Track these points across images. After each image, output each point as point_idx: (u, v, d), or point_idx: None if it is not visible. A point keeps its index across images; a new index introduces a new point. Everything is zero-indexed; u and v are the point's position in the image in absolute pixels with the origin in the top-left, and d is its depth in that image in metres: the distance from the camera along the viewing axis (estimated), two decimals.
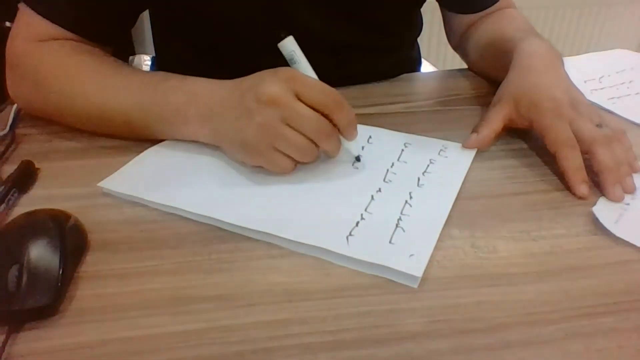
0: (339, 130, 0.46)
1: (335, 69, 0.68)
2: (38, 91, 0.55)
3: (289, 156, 0.46)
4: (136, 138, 0.53)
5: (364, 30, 0.68)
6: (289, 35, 0.48)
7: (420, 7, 0.74)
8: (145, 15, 0.65)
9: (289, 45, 0.48)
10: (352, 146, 0.49)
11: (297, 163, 0.47)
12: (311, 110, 0.44)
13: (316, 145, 0.46)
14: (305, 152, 0.46)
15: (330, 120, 0.45)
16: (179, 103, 0.50)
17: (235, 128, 0.46)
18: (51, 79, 0.54)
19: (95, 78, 0.53)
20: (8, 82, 0.57)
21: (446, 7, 0.75)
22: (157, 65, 0.88)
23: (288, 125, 0.44)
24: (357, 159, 0.50)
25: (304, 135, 0.44)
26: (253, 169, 0.48)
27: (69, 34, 0.56)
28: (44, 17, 0.55)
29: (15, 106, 0.59)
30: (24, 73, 0.56)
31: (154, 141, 0.53)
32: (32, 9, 0.55)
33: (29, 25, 0.56)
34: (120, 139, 0.54)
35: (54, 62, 0.54)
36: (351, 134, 0.48)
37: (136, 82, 0.52)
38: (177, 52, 0.74)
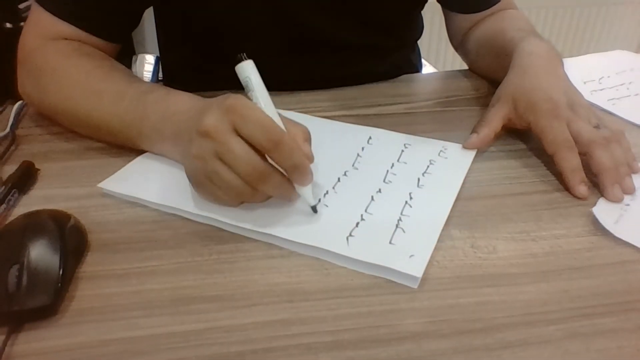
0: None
1: (336, 68, 0.68)
2: (39, 89, 0.56)
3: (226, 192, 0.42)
4: (122, 145, 0.53)
5: (365, 30, 0.68)
6: (248, 59, 0.42)
7: (422, 8, 0.74)
8: (146, 16, 0.65)
9: (245, 71, 0.41)
10: (306, 193, 0.42)
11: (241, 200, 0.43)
12: (246, 148, 0.39)
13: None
14: (240, 192, 0.40)
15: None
16: (156, 120, 0.48)
17: (182, 155, 0.45)
18: (49, 79, 0.54)
19: (85, 83, 0.53)
20: (18, 78, 0.58)
21: (447, 7, 0.75)
22: (162, 65, 0.88)
23: (221, 160, 0.39)
24: (313, 209, 0.43)
25: (236, 174, 0.40)
26: None
27: (77, 32, 0.57)
28: (51, 13, 0.56)
29: (15, 107, 0.59)
30: (29, 70, 0.56)
31: None
32: (41, 5, 0.56)
33: (38, 23, 0.57)
34: None
35: (55, 62, 0.55)
36: (297, 180, 0.41)
37: (121, 93, 0.51)
38: (182, 51, 0.74)
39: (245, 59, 0.42)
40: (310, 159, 0.42)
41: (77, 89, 0.53)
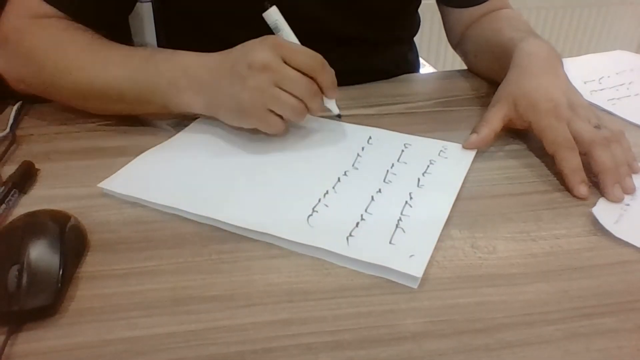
0: (322, 90, 0.50)
1: (335, 62, 0.68)
2: (30, 66, 0.55)
3: (280, 116, 0.49)
4: (128, 112, 0.55)
5: (360, 23, 0.68)
6: (272, 5, 0.52)
7: (418, 5, 0.74)
8: (145, 15, 0.65)
9: (273, 15, 0.53)
10: (333, 105, 0.54)
11: (287, 123, 0.51)
12: (299, 73, 0.48)
13: (305, 105, 0.49)
14: (296, 110, 0.49)
15: (314, 81, 0.49)
16: (171, 75, 0.52)
17: (230, 94, 0.49)
18: (45, 54, 0.54)
19: (88, 51, 0.54)
20: None
21: (444, 3, 0.75)
22: None
23: (279, 87, 0.47)
24: (338, 116, 0.55)
25: (294, 95, 0.48)
26: (253, 169, 0.49)
27: (61, 14, 0.57)
28: None
29: (15, 107, 0.59)
30: (17, 48, 0.56)
31: (154, 142, 0.53)
32: None
33: (22, 2, 0.57)
34: (119, 139, 0.54)
35: (49, 37, 0.55)
36: (333, 93, 0.52)
37: (128, 55, 0.53)
38: (181, 46, 0.74)
39: (271, 6, 0.52)
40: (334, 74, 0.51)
41: (78, 59, 0.54)
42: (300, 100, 0.49)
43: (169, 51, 0.54)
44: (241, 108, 0.49)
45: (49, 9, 0.56)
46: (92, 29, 0.58)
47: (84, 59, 0.54)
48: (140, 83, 0.52)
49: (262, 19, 0.53)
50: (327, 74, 0.50)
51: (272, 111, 0.49)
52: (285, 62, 0.48)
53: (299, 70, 0.48)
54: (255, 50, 0.48)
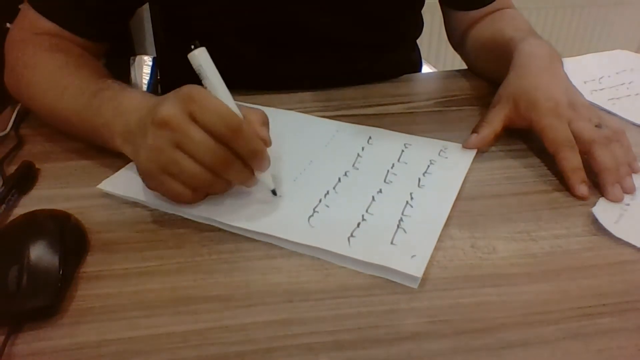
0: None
1: (336, 66, 0.68)
2: (11, 80, 0.57)
3: (185, 183, 0.41)
4: (87, 142, 0.53)
5: (363, 28, 0.68)
6: (200, 46, 0.41)
7: (422, 7, 0.74)
8: (146, 16, 0.65)
9: (198, 59, 0.41)
10: (265, 178, 0.44)
11: (201, 192, 0.43)
12: (206, 136, 0.39)
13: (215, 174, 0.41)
14: (200, 180, 0.40)
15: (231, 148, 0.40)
16: (108, 117, 0.47)
17: (134, 150, 0.43)
18: (25, 71, 0.55)
19: (53, 77, 0.54)
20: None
21: (446, 5, 0.75)
22: (159, 66, 0.88)
23: (180, 149, 0.39)
24: (273, 192, 0.45)
25: (198, 162, 0.39)
26: None
27: (58, 28, 0.57)
28: (34, 9, 0.57)
29: (17, 107, 0.59)
30: (10, 60, 0.57)
31: None
32: (29, 2, 0.57)
33: (25, 17, 0.58)
34: None
35: (31, 55, 0.56)
36: (257, 166, 0.42)
37: (82, 88, 0.51)
38: (178, 51, 0.74)
39: (198, 47, 0.41)
40: (268, 143, 0.42)
41: (45, 82, 0.54)
42: (208, 168, 0.40)
43: (117, 89, 0.49)
44: (139, 166, 0.42)
45: (46, 24, 0.57)
46: (87, 39, 0.59)
47: (47, 85, 0.53)
48: (84, 118, 0.50)
49: (260, 29, 0.51)
50: (242, 141, 0.39)
51: (172, 175, 0.40)
52: (195, 120, 0.39)
53: (208, 132, 0.39)
54: (163, 102, 0.40)
